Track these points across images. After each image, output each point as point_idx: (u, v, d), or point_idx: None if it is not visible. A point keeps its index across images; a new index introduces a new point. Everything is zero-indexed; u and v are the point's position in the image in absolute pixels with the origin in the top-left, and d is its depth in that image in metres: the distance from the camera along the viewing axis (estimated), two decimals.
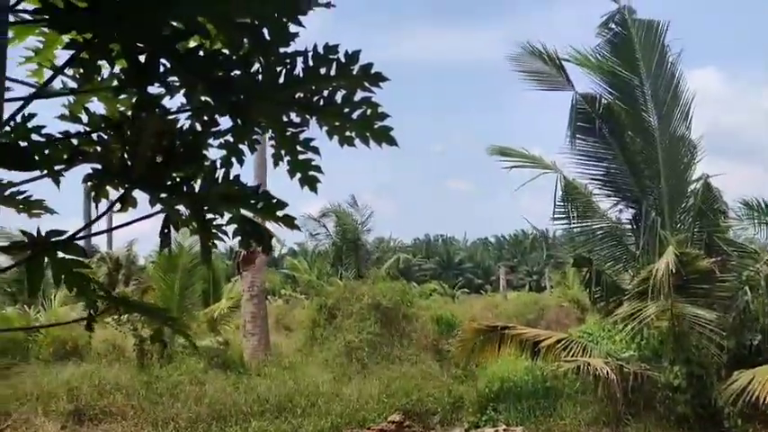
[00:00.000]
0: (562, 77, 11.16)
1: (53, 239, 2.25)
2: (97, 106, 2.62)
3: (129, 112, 2.60)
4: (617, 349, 10.85)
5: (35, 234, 2.21)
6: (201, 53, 1.83)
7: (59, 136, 2.26)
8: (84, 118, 2.39)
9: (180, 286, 15.41)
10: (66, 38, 2.59)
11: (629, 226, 11.61)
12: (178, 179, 2.09)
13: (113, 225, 2.31)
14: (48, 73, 2.72)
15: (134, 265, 26.04)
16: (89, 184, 2.06)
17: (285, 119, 2.23)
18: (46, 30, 2.48)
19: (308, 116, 2.24)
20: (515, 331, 11.19)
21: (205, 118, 1.98)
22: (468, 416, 11.75)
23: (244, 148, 2.33)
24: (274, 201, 2.32)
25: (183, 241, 14.53)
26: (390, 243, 38.11)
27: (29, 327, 14.50)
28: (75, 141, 2.34)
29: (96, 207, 2.06)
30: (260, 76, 2.04)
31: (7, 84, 2.49)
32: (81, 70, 2.02)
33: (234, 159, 2.31)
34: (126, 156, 1.90)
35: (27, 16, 2.05)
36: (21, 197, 2.57)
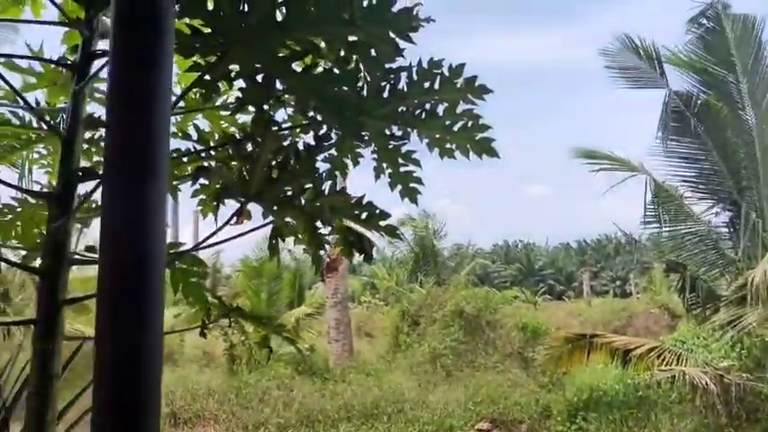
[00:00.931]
0: (656, 73, 10.74)
1: (172, 251, 2.38)
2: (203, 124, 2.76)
3: (232, 129, 2.71)
4: (714, 358, 10.36)
5: None
6: (315, 72, 1.90)
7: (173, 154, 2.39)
8: (194, 135, 2.52)
9: (267, 293, 15.84)
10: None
11: (726, 229, 11.09)
12: (289, 192, 2.17)
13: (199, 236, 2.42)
14: None
15: (219, 273, 26.93)
16: (200, 198, 2.17)
17: (387, 132, 2.28)
18: None
19: (409, 129, 2.28)
20: (605, 339, 10.87)
21: (315, 133, 2.05)
22: (557, 425, 11.51)
23: (347, 161, 2.39)
24: (377, 211, 2.37)
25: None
26: (468, 249, 37.70)
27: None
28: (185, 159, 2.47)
29: (215, 220, 2.16)
30: (364, 92, 2.10)
31: None
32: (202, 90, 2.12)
33: (338, 172, 2.37)
34: (245, 171, 1.99)
35: None
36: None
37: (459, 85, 2.12)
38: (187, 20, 1.88)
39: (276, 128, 2.09)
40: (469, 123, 2.25)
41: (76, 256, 2.20)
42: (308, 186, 2.21)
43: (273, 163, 2.07)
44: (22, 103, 2.49)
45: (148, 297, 0.94)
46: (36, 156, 3.05)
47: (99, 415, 0.92)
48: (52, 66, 2.68)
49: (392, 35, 1.85)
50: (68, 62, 2.36)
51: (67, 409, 2.15)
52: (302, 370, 14.14)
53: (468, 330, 15.14)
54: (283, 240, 2.46)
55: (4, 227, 2.32)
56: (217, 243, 2.39)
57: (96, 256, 2.27)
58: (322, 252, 2.40)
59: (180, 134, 2.50)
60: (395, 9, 1.82)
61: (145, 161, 0.96)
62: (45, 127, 2.37)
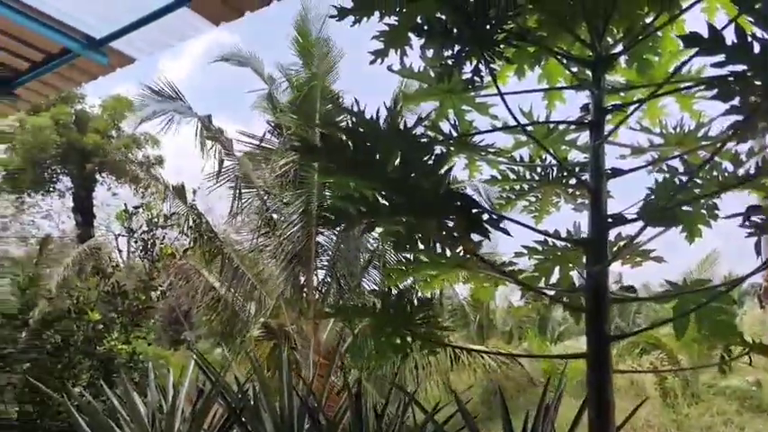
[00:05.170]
0: None
1: (697, 288, 2.43)
2: None
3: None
4: None
5: (680, 282, 2.42)
6: None
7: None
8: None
9: None
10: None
11: None
12: None
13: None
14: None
15: None
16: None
17: None
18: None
19: None
20: None
21: None
22: None
23: None
24: None
25: None
26: None
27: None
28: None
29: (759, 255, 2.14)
30: None
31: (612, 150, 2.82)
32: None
33: None
34: None
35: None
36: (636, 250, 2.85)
37: None
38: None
39: None
40: None
41: (614, 296, 2.41)
42: None
43: None
44: (543, 159, 2.86)
45: None
46: (525, 203, 3.45)
47: None
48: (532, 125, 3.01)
49: None
50: (585, 121, 2.63)
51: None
52: (749, 406, 12.73)
53: None
54: None
55: (544, 269, 2.67)
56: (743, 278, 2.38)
57: (632, 295, 2.45)
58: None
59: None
60: None
61: None
62: (573, 180, 2.66)
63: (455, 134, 3.02)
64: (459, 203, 2.15)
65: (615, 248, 2.48)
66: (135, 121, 11.56)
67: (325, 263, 12.00)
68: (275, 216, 11.47)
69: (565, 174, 2.85)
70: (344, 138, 2.18)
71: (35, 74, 4.92)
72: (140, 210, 6.36)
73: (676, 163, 2.65)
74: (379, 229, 2.68)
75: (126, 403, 3.63)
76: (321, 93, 11.16)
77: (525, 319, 22.54)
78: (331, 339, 11.32)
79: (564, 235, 2.68)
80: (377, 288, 11.55)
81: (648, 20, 2.60)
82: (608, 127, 2.97)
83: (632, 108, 2.58)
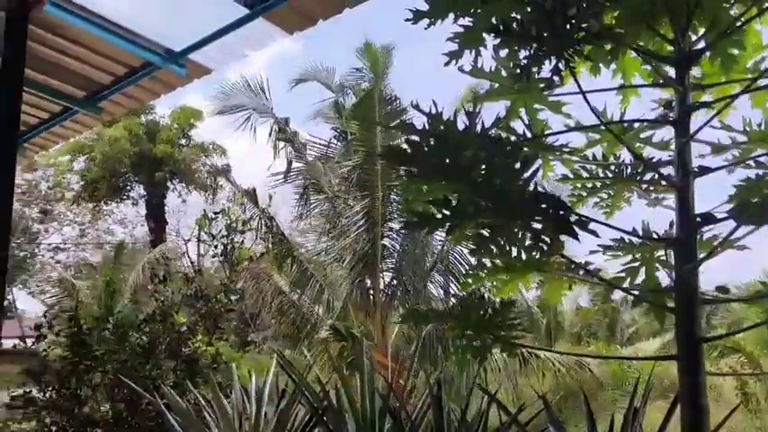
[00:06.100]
0: None
1: None
2: None
3: None
4: None
5: None
6: None
7: None
8: None
9: None
10: None
11: None
12: None
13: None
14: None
15: None
16: None
17: None
18: None
19: None
20: None
21: None
22: None
23: None
24: None
25: None
26: None
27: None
28: None
29: None
30: None
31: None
32: None
33: None
34: None
35: None
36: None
37: None
38: None
39: None
40: None
41: (706, 296, 2.36)
42: None
43: None
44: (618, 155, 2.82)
45: None
46: (597, 200, 3.38)
47: None
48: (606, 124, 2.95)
49: None
50: (669, 119, 2.58)
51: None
52: None
53: None
54: None
55: (633, 271, 2.63)
56: None
57: (724, 295, 2.39)
58: None
59: None
60: None
61: None
62: (662, 181, 2.62)
63: (529, 134, 3.00)
64: (545, 205, 2.14)
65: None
66: (218, 107, 11.83)
67: (391, 266, 12.05)
68: (344, 221, 11.62)
69: (639, 170, 2.80)
70: (421, 140, 2.20)
71: (118, 87, 5.14)
72: (219, 215, 6.62)
73: (762, 160, 2.57)
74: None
75: (211, 404, 3.75)
76: (379, 97, 11.27)
77: (594, 321, 22.08)
78: (398, 342, 11.36)
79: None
80: (442, 291, 11.53)
81: (733, 12, 2.54)
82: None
83: (722, 105, 2.51)
